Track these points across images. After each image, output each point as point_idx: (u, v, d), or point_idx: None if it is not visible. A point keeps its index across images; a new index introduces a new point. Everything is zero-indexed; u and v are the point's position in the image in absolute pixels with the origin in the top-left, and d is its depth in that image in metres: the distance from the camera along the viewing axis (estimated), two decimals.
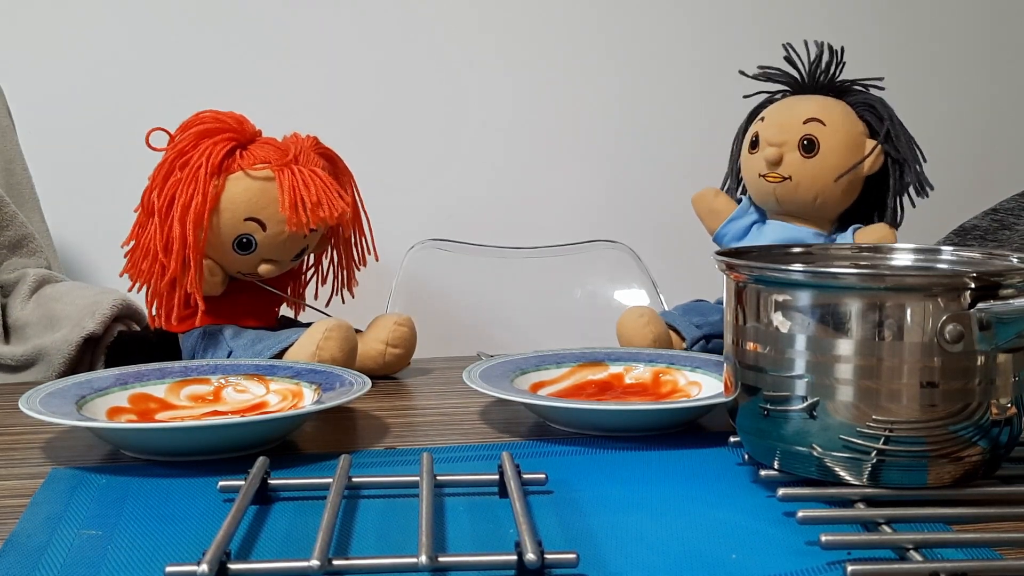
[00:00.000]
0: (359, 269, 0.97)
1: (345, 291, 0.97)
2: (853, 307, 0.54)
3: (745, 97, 0.98)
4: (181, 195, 0.85)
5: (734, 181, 1.00)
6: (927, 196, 0.93)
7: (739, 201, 0.97)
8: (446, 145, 1.36)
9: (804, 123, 0.90)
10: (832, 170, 0.90)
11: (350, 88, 1.33)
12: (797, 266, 0.61)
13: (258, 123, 0.91)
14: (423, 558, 0.46)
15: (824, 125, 0.90)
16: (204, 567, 0.44)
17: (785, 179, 0.90)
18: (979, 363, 0.54)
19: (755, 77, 0.96)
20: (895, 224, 0.93)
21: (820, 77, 0.94)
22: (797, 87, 0.95)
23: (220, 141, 0.86)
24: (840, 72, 0.94)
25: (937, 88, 1.46)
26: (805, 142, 0.90)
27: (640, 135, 1.39)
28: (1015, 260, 0.61)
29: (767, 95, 0.97)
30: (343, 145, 0.95)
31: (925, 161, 0.93)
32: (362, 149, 1.03)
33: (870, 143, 0.91)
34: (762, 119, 0.93)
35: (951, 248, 0.66)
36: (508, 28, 1.36)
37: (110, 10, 1.27)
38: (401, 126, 1.34)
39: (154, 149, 0.87)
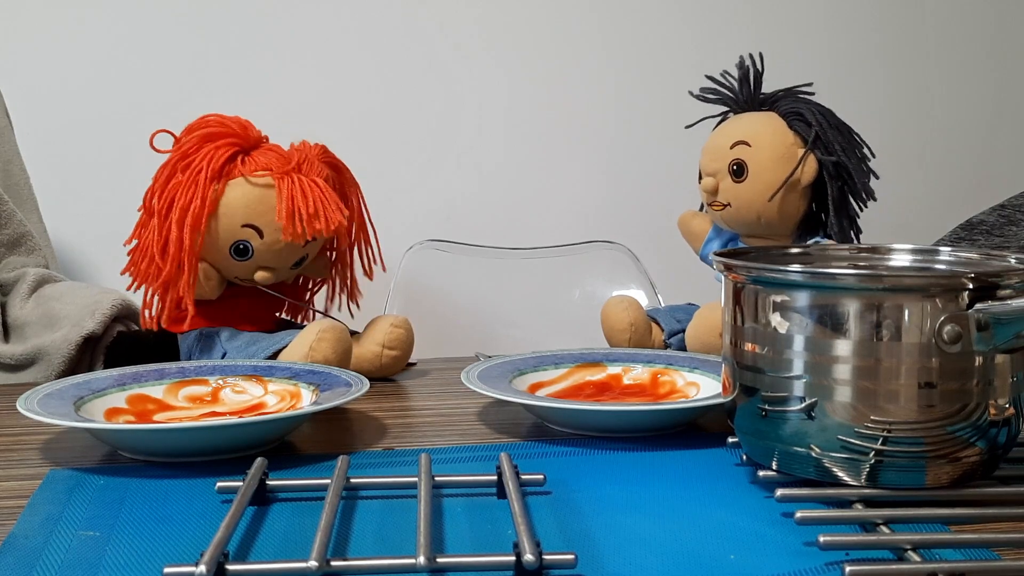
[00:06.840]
0: (368, 278, 0.97)
1: (350, 302, 0.97)
2: (851, 308, 0.54)
3: (687, 127, 0.97)
4: (180, 198, 0.85)
5: None
6: (865, 207, 0.90)
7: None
8: (444, 146, 1.36)
9: (731, 147, 0.90)
10: (765, 189, 0.89)
11: (348, 89, 1.33)
12: (795, 267, 0.61)
13: (255, 123, 0.91)
14: (421, 559, 0.46)
15: (750, 146, 0.89)
16: (202, 568, 0.44)
17: (726, 206, 0.91)
18: (977, 364, 0.54)
19: (698, 98, 0.95)
20: (852, 232, 0.90)
21: (747, 93, 0.93)
22: (735, 106, 0.94)
23: (223, 146, 0.86)
24: (760, 83, 0.92)
25: (943, 83, 1.46)
26: (734, 167, 0.89)
27: (639, 136, 1.39)
28: (1013, 261, 0.61)
29: (712, 117, 0.96)
30: (341, 146, 0.95)
31: (874, 157, 0.90)
32: (360, 149, 1.03)
33: (802, 153, 0.89)
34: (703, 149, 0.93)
35: (949, 249, 0.65)
36: (507, 29, 1.36)
37: (109, 10, 1.27)
38: (399, 126, 1.34)
39: (158, 151, 0.87)
